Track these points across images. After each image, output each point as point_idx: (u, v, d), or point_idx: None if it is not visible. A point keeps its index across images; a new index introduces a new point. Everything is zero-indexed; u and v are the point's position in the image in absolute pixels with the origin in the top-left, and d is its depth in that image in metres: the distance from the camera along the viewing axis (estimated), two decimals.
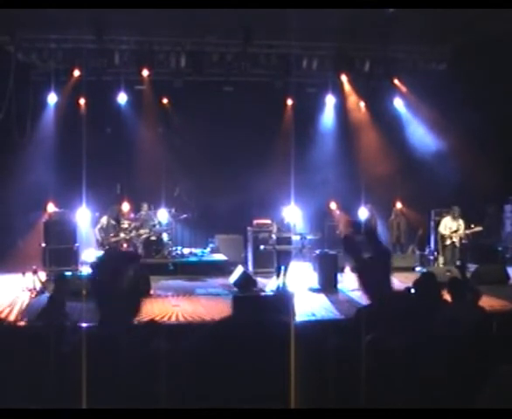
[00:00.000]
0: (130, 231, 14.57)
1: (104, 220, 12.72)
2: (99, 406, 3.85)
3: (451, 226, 14.13)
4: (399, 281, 13.13)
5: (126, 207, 16.30)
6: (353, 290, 12.92)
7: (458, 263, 14.19)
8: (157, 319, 9.97)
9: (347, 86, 17.18)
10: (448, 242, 14.14)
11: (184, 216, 16.20)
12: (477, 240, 14.59)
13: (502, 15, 11.12)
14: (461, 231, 14.11)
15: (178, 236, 16.94)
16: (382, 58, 16.12)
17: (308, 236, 14.10)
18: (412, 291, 7.41)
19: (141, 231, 15.18)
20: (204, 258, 16.16)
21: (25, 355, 5.07)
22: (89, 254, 14.80)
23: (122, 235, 13.02)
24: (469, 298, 7.03)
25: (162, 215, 16.32)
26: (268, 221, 15.39)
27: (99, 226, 12.70)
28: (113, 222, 12.71)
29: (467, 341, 4.95)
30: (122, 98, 16.58)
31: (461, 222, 14.22)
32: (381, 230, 17.32)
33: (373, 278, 4.25)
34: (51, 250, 14.32)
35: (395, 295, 7.23)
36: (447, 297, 7.54)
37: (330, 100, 17.61)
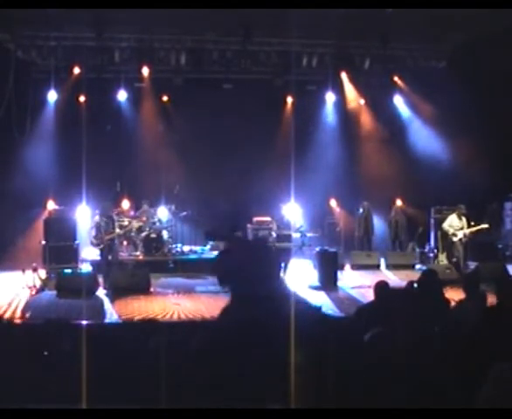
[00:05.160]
0: (130, 229, 14.56)
1: (97, 218, 12.69)
2: (99, 404, 3.86)
3: (457, 224, 14.12)
4: (399, 279, 13.21)
5: (126, 204, 16.31)
6: (353, 287, 12.94)
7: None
8: (157, 316, 9.98)
9: (347, 84, 17.15)
10: (454, 239, 14.12)
11: (184, 213, 16.21)
12: (477, 238, 14.57)
13: (502, 14, 11.12)
14: (466, 229, 14.11)
15: (178, 234, 16.92)
16: (382, 55, 16.09)
17: (308, 234, 14.10)
18: (415, 285, 7.42)
19: (141, 228, 15.17)
20: (204, 256, 16.15)
21: (25, 353, 5.07)
22: (89, 252, 14.80)
23: (116, 232, 12.95)
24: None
25: (162, 212, 16.33)
26: (268, 218, 15.39)
27: (92, 226, 12.69)
28: (105, 219, 12.67)
29: (467, 338, 4.95)
30: (122, 95, 16.57)
31: (465, 220, 14.23)
32: (380, 227, 17.33)
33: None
34: (51, 248, 14.31)
35: (397, 292, 7.23)
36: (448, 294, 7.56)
37: (330, 98, 17.60)
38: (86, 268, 14.32)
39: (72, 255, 14.41)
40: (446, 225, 14.33)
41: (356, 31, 14.60)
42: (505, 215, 16.72)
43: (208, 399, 3.49)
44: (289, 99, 17.73)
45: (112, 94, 16.46)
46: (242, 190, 16.60)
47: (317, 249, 13.97)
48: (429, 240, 15.94)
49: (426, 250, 15.97)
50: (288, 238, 13.78)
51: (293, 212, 16.36)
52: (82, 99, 16.26)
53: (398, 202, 17.37)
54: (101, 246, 12.64)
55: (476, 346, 4.62)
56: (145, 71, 15.92)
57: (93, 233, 12.65)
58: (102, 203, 13.17)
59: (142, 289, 12.41)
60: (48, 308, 11.02)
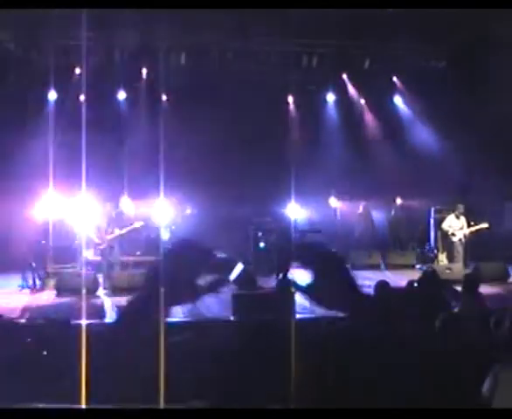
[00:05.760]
0: (131, 229, 14.53)
1: (98, 220, 12.71)
2: (99, 404, 3.85)
3: (456, 224, 14.15)
4: (399, 279, 13.20)
5: (126, 204, 16.29)
6: None
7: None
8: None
9: (347, 84, 17.15)
10: (454, 239, 14.17)
11: (185, 213, 16.21)
12: (477, 238, 14.58)
13: (502, 14, 11.14)
14: (465, 229, 14.14)
15: (178, 234, 16.88)
16: (382, 55, 16.08)
17: (308, 234, 14.10)
18: (415, 285, 7.43)
19: (141, 228, 15.13)
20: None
21: (25, 353, 5.07)
22: (89, 252, 14.81)
23: (117, 232, 12.94)
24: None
25: (162, 212, 16.33)
26: (268, 218, 15.39)
27: (93, 227, 12.70)
28: (106, 219, 12.70)
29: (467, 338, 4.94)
30: (122, 95, 16.55)
31: (464, 219, 14.25)
32: (380, 226, 17.33)
33: None
34: (52, 248, 14.33)
35: (397, 292, 7.24)
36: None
37: (330, 98, 17.59)
38: (86, 268, 14.31)
39: (72, 255, 14.41)
40: (445, 225, 14.36)
41: (356, 31, 14.58)
42: (505, 215, 16.71)
43: (208, 399, 3.49)
44: (289, 99, 17.72)
45: (112, 94, 16.45)
46: (242, 190, 16.59)
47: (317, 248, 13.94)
48: (429, 240, 15.94)
49: (426, 250, 15.97)
50: (289, 238, 13.73)
51: (293, 212, 16.34)
52: (82, 98, 16.26)
53: (398, 202, 17.38)
54: (102, 246, 12.64)
55: (476, 346, 4.62)
56: (144, 71, 15.91)
57: (94, 233, 12.66)
58: (103, 204, 13.17)
59: None
60: (48, 308, 11.02)
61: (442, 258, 14.88)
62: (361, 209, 16.96)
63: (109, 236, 12.64)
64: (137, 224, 13.90)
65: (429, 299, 6.84)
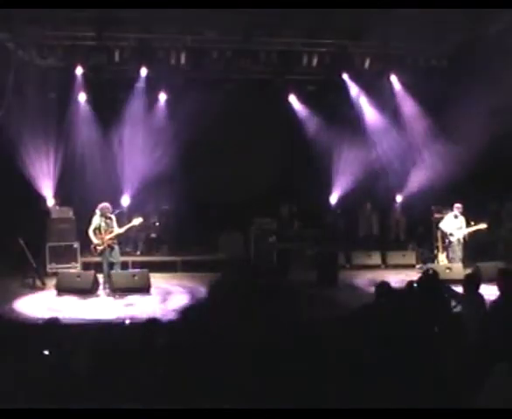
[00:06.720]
0: (131, 228, 14.56)
1: (96, 220, 12.71)
2: (99, 404, 3.86)
3: (454, 224, 14.16)
4: (399, 279, 13.22)
5: (126, 204, 16.30)
6: (353, 287, 12.94)
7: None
8: (158, 316, 9.98)
9: (347, 83, 17.13)
10: (452, 239, 14.19)
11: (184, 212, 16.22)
12: (476, 237, 14.58)
13: (502, 14, 11.17)
14: (464, 229, 14.14)
15: (179, 234, 16.91)
16: (382, 55, 16.06)
17: (309, 234, 14.12)
18: (415, 285, 7.44)
19: (141, 228, 15.15)
20: (205, 256, 16.14)
21: (25, 353, 5.08)
22: (89, 251, 14.82)
23: (116, 232, 12.92)
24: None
25: (162, 212, 16.35)
26: (269, 218, 15.39)
27: (92, 227, 12.69)
28: (105, 219, 12.70)
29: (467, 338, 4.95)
30: (122, 95, 16.54)
31: (463, 219, 14.26)
32: (380, 227, 17.33)
33: None
34: (52, 248, 14.34)
35: (397, 292, 7.24)
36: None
37: (330, 98, 17.57)
38: (85, 268, 14.32)
39: (72, 255, 14.42)
40: (443, 225, 14.38)
41: (356, 31, 14.58)
42: (505, 215, 16.69)
43: (208, 399, 3.49)
44: (289, 99, 17.71)
45: (112, 94, 16.43)
46: (243, 190, 16.58)
47: (317, 249, 13.96)
48: (429, 240, 15.94)
49: (426, 250, 15.98)
50: (289, 238, 13.76)
51: (293, 212, 16.35)
52: (82, 98, 16.27)
53: (398, 202, 17.39)
54: (102, 246, 12.64)
55: (476, 346, 4.63)
56: (144, 70, 15.90)
57: (94, 233, 12.66)
58: (102, 203, 13.15)
59: (142, 289, 12.42)
60: (48, 308, 11.04)
61: (442, 258, 14.87)
62: (363, 209, 16.97)
63: (109, 236, 12.64)
64: (136, 221, 13.93)
65: (429, 300, 6.85)
